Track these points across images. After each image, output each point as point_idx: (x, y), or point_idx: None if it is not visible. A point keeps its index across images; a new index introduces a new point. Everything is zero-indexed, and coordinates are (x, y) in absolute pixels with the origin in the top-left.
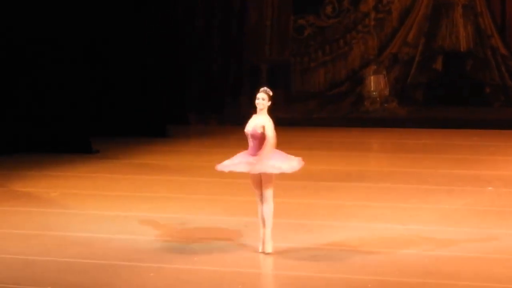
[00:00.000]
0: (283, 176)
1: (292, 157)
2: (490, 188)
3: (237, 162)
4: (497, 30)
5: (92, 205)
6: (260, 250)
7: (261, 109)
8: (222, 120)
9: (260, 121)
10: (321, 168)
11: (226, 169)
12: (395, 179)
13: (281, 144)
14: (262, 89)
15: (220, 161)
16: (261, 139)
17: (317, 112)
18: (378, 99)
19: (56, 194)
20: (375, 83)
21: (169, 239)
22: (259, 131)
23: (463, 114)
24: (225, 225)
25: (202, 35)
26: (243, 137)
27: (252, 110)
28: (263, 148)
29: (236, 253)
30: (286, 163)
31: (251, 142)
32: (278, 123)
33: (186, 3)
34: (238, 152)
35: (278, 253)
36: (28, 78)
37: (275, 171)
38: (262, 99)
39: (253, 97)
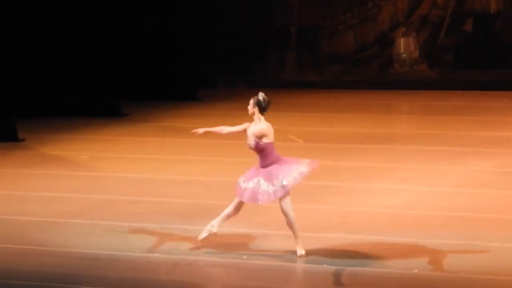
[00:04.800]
0: (311, 138)
1: (301, 160)
2: None
3: (247, 188)
4: None
5: (120, 168)
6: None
7: (251, 115)
8: (250, 83)
9: (251, 131)
10: (349, 131)
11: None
12: (424, 141)
13: (308, 107)
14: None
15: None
16: (263, 149)
17: (346, 74)
18: (407, 61)
19: (85, 157)
20: (405, 45)
21: (194, 201)
22: (253, 144)
23: (493, 76)
24: None
25: None
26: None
27: (279, 71)
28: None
29: (264, 216)
30: (294, 171)
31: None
32: (306, 86)
33: None
34: None
35: (306, 216)
36: (59, 44)
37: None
38: (248, 105)
39: (281, 60)
